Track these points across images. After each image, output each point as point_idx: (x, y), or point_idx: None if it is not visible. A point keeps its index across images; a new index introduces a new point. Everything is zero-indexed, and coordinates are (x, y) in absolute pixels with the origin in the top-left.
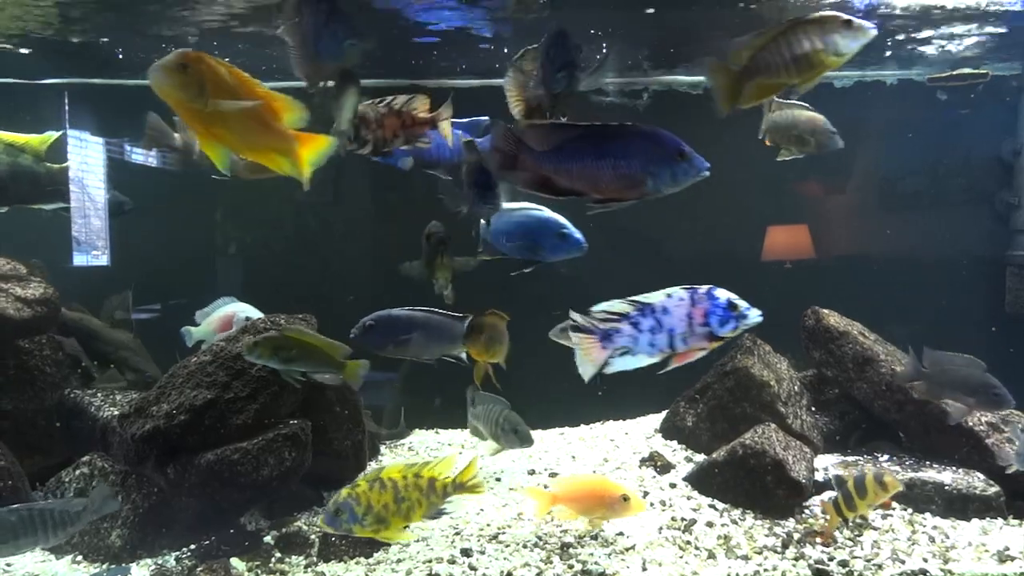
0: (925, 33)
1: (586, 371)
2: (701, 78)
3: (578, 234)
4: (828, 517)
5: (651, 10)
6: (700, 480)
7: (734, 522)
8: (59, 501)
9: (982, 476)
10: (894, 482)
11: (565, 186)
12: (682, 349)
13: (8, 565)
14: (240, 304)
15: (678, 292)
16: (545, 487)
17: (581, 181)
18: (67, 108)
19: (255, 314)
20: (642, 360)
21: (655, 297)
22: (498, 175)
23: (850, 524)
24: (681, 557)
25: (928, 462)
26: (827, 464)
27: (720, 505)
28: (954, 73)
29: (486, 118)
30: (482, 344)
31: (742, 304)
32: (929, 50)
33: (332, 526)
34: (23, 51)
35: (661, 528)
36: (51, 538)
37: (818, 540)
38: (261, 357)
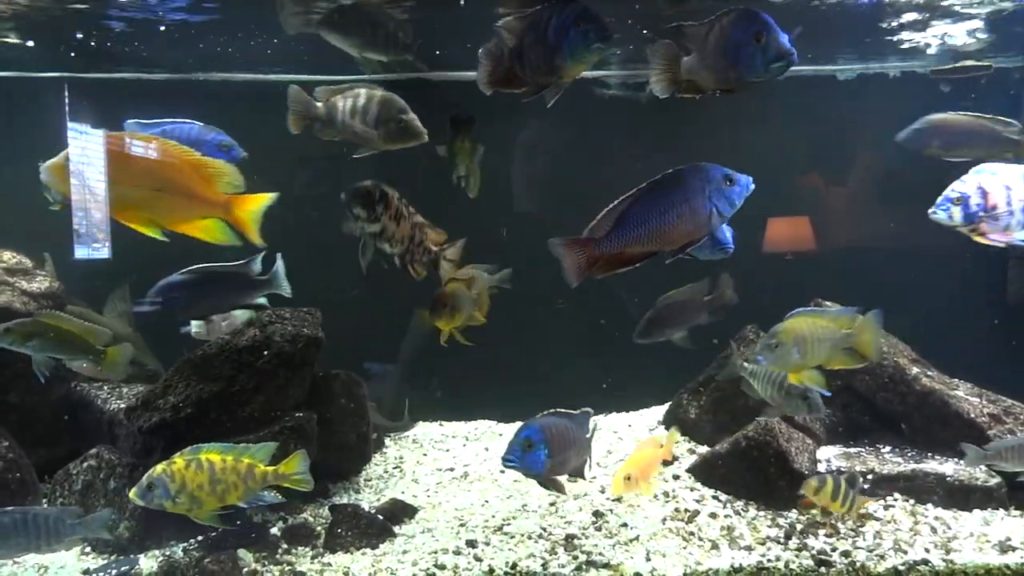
0: (928, 24)
1: None
2: None
3: (727, 235)
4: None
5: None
6: (703, 472)
7: (737, 513)
8: (55, 508)
9: (984, 467)
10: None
11: (640, 253)
12: None
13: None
14: None
15: None
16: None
17: (653, 243)
18: (67, 101)
19: None
20: None
21: None
22: (578, 282)
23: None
24: (685, 548)
25: (930, 453)
26: (829, 455)
27: (723, 496)
28: (957, 65)
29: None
30: (448, 316)
31: None
32: (932, 42)
33: (143, 500)
34: (28, 43)
35: (665, 519)
36: (43, 545)
37: (821, 531)
38: (14, 343)
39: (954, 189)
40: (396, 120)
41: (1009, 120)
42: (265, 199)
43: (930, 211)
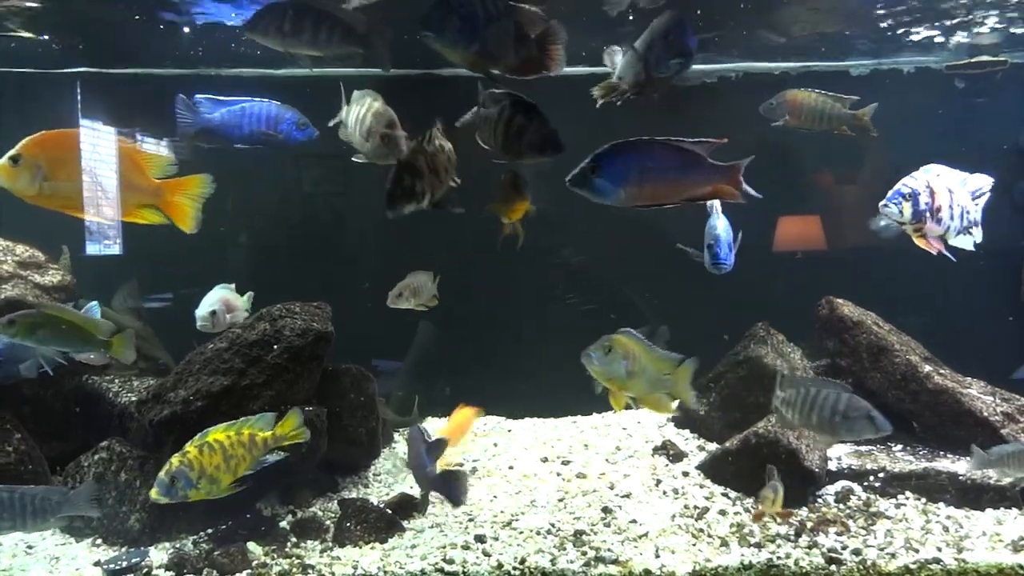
0: (942, 20)
1: None
2: (712, 66)
3: (724, 251)
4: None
5: None
6: (713, 468)
7: (747, 510)
8: (41, 488)
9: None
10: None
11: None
12: None
13: (29, 548)
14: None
15: None
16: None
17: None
18: (79, 97)
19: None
20: None
21: None
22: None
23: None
24: (694, 545)
25: (942, 452)
26: (840, 453)
27: (733, 493)
28: (972, 61)
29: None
30: (517, 193)
31: None
32: (947, 37)
33: (168, 496)
34: (43, 38)
35: (674, 516)
36: (29, 523)
37: (832, 529)
38: (17, 335)
39: (905, 184)
40: (381, 135)
41: (845, 96)
42: (198, 186)
43: (881, 204)
